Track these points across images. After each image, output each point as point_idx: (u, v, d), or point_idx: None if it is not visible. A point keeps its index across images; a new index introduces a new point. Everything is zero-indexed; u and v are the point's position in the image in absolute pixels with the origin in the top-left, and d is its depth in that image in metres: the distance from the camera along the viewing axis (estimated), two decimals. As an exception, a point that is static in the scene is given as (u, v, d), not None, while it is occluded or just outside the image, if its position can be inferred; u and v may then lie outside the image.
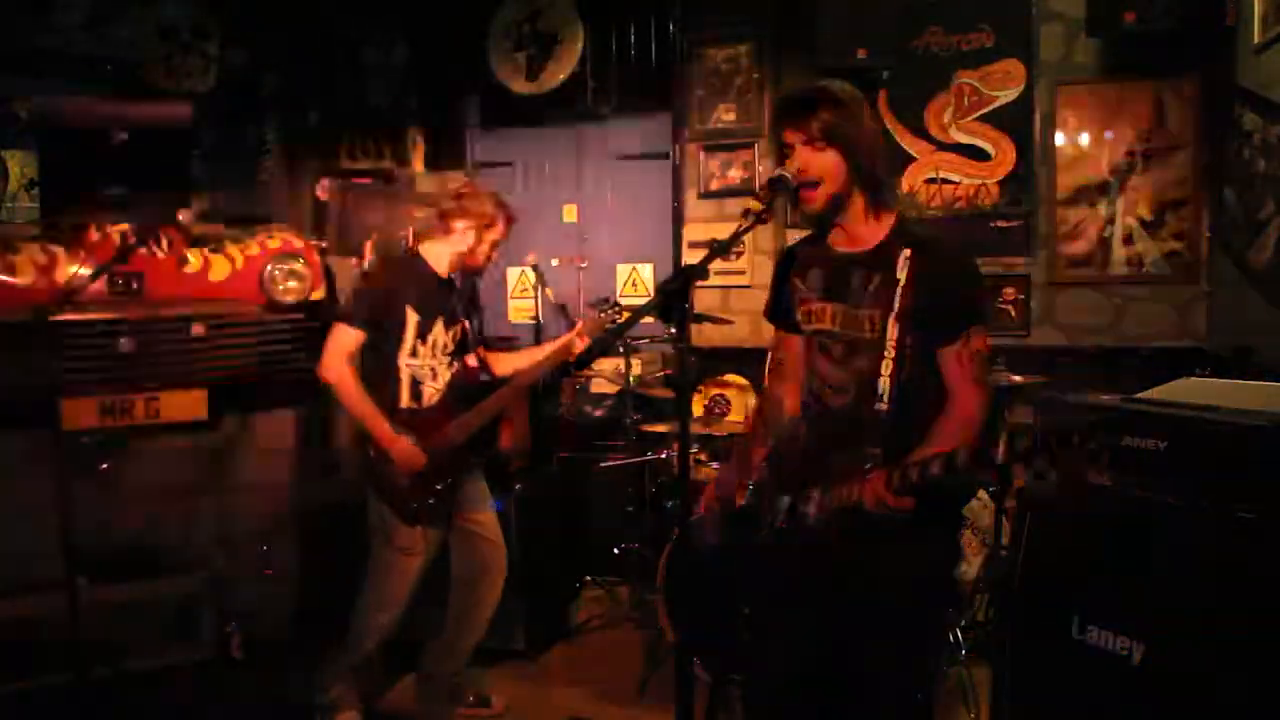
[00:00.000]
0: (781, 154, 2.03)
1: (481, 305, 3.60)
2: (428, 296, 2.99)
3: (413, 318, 2.94)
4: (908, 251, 1.97)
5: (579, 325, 3.20)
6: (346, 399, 2.88)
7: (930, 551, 2.05)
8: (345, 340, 2.88)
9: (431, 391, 3.01)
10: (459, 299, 3.11)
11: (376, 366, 2.94)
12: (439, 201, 3.14)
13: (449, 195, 3.12)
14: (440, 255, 3.04)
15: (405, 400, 2.97)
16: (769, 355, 2.31)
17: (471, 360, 3.16)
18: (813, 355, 2.13)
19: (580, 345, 3.11)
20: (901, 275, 1.96)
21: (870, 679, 2.05)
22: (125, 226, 3.30)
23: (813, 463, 2.07)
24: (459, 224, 3.00)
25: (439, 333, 3.01)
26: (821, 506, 2.01)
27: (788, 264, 2.21)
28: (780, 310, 2.23)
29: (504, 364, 3.28)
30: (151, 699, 3.22)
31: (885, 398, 1.96)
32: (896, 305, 1.95)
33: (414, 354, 2.97)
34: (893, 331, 1.96)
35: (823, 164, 1.96)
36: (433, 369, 3.01)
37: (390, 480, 2.92)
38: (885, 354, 1.96)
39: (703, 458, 3.88)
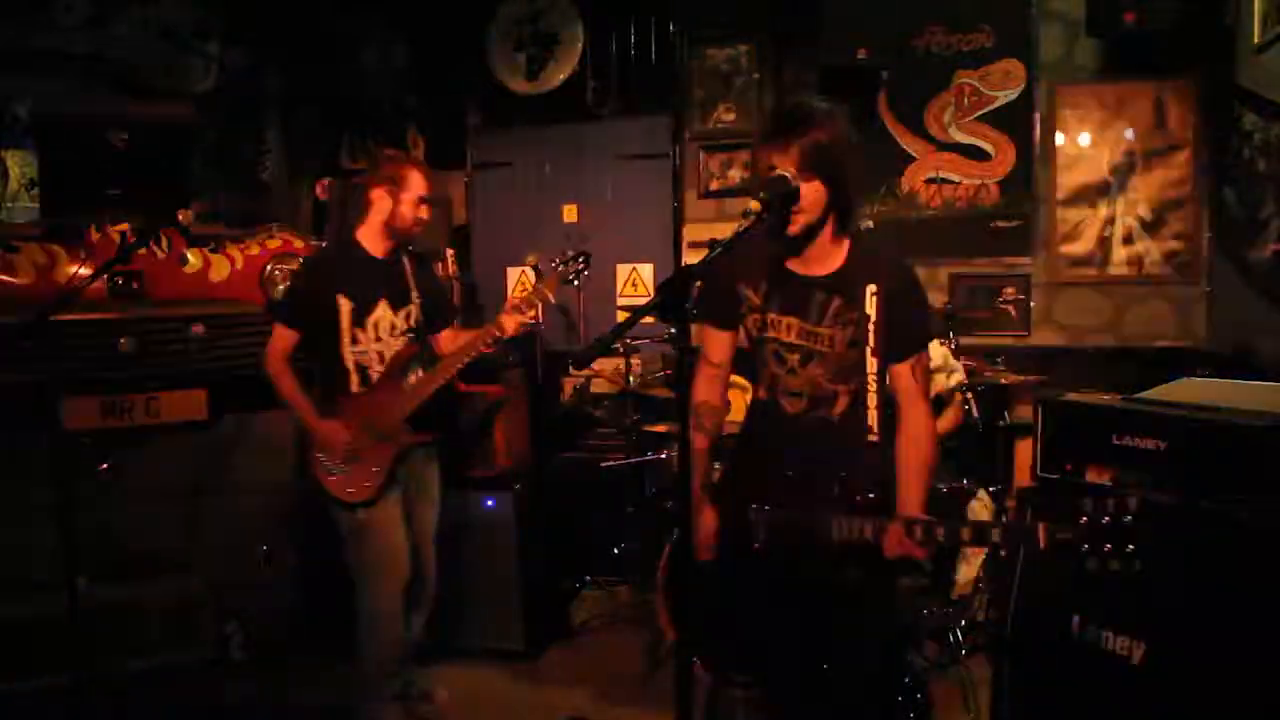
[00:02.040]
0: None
1: (443, 286, 3.54)
2: (363, 280, 2.95)
3: (345, 306, 2.91)
4: (873, 287, 2.05)
5: (509, 301, 3.07)
6: (281, 392, 2.95)
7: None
8: (280, 339, 2.96)
9: (377, 375, 2.97)
10: (405, 277, 3.03)
11: (322, 358, 2.97)
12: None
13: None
14: (372, 234, 2.98)
15: (355, 387, 2.95)
16: (702, 350, 2.34)
17: (399, 344, 3.01)
18: (768, 360, 2.21)
19: (511, 322, 2.95)
20: (872, 312, 2.05)
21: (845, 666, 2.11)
22: (125, 226, 3.31)
23: (780, 478, 2.13)
24: (373, 193, 2.95)
25: (383, 314, 2.97)
26: (774, 523, 2.09)
27: (729, 268, 2.18)
28: (718, 310, 2.27)
29: (449, 344, 3.15)
30: (151, 699, 3.22)
31: (875, 429, 2.07)
32: (872, 341, 2.05)
33: (355, 341, 2.94)
34: (872, 366, 2.06)
35: (805, 194, 1.97)
36: (380, 353, 2.96)
37: (323, 467, 2.92)
38: (868, 387, 2.06)
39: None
